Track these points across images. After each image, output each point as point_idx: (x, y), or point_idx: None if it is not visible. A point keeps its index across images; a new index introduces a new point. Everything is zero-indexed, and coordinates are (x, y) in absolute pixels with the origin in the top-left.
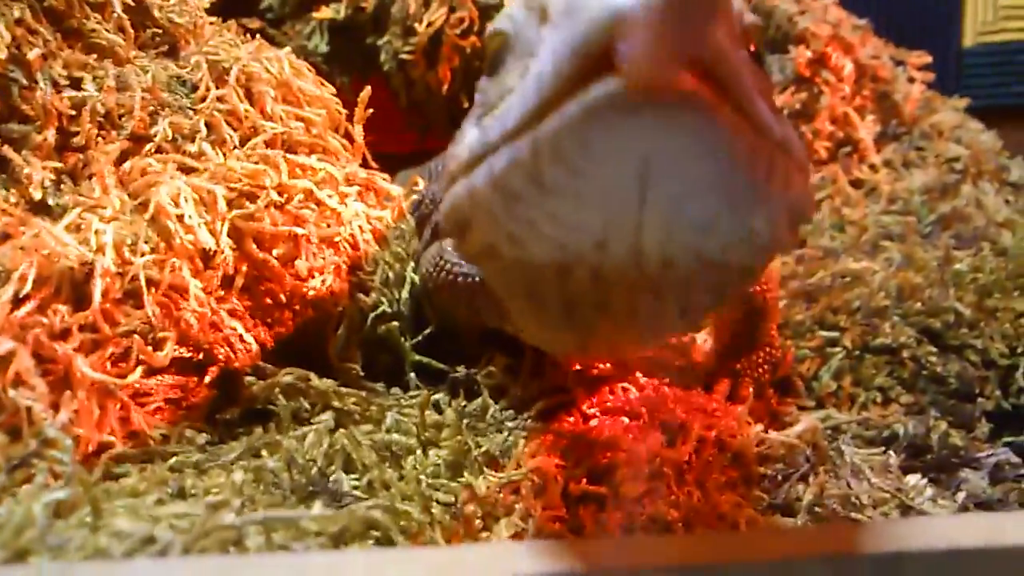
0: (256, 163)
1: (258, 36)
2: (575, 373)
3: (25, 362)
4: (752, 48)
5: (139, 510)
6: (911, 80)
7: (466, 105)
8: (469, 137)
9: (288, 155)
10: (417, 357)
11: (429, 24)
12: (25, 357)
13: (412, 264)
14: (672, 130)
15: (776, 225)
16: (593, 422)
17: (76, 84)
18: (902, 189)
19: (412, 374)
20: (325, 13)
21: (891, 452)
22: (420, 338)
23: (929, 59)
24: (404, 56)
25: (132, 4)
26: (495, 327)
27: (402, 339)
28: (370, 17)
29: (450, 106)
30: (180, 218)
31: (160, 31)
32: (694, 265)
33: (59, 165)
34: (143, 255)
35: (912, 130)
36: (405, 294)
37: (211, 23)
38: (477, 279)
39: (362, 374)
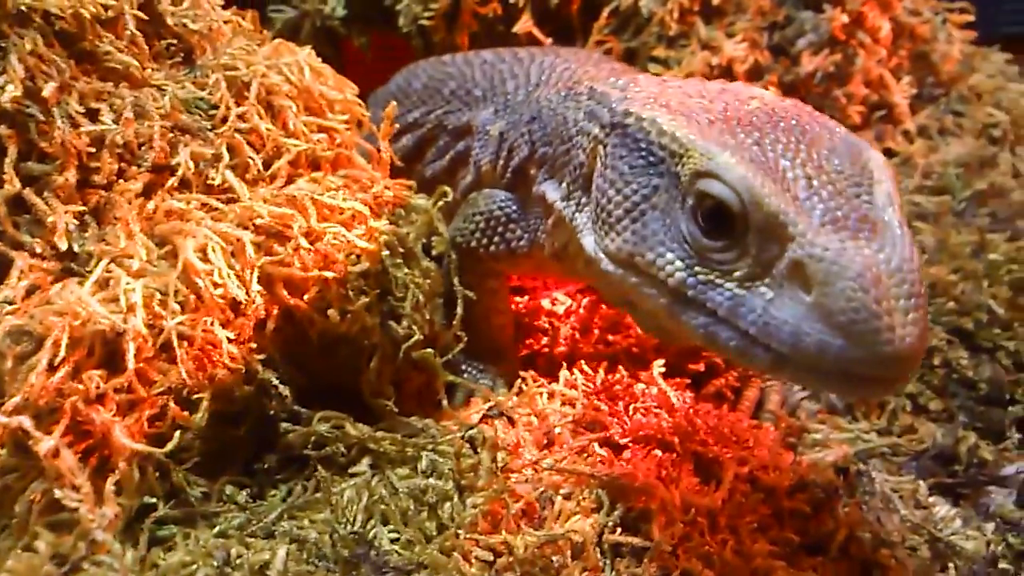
0: (282, 205)
1: (276, 39)
2: (608, 391)
3: (68, 461)
4: None
5: None
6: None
7: None
8: (712, 294)
9: (315, 194)
10: (450, 377)
11: None
12: (68, 456)
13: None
14: None
15: None
16: (626, 453)
17: (93, 115)
18: (937, 162)
19: (444, 400)
20: None
21: (920, 482)
22: (450, 356)
23: (971, 17)
24: (424, 21)
25: (144, 17)
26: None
27: (435, 358)
28: None
29: None
30: (209, 272)
31: (175, 41)
32: None
33: (82, 208)
34: (174, 314)
35: (950, 92)
36: (436, 313)
37: (227, 21)
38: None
39: (395, 410)
